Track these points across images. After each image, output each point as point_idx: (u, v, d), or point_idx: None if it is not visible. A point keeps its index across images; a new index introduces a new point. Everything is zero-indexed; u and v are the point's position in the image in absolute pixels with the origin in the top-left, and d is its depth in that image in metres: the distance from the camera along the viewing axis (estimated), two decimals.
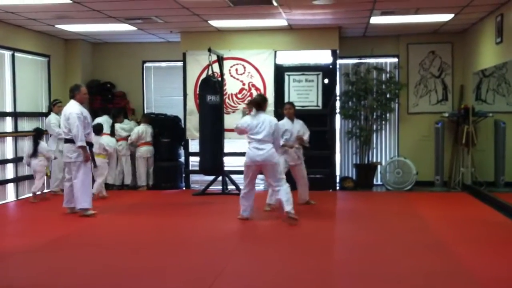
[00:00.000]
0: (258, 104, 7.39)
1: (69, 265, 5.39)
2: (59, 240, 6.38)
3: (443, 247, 5.91)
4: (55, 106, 9.69)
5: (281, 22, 9.40)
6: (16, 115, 9.54)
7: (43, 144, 9.23)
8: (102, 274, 5.05)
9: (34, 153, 9.01)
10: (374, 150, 10.87)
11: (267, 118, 7.33)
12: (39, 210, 8.57)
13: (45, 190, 9.63)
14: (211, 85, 9.20)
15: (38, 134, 9.20)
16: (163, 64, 11.41)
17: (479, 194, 9.14)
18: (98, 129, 9.15)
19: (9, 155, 9.45)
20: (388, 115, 10.75)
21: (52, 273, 5.15)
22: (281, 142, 7.76)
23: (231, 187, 9.73)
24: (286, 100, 10.12)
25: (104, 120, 10.17)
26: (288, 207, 7.10)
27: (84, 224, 7.24)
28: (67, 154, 7.76)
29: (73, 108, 7.71)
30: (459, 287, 4.64)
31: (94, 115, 10.06)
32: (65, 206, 7.91)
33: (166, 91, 10.94)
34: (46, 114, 9.96)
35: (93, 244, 6.25)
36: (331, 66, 10.20)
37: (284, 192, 7.16)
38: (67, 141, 7.73)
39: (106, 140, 9.50)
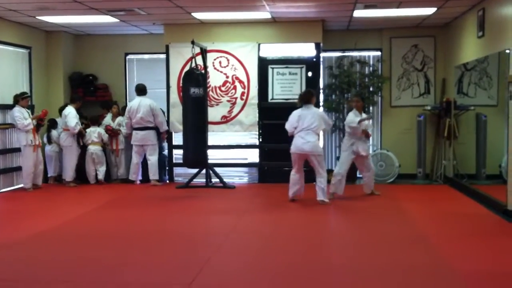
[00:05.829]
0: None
1: (52, 258, 5.36)
2: (42, 234, 6.32)
3: (425, 240, 5.96)
4: (23, 99, 9.31)
5: (264, 14, 9.38)
6: None
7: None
8: (86, 267, 5.03)
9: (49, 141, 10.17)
10: None
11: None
12: (18, 204, 8.52)
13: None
14: (195, 78, 9.16)
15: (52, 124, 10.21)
16: (146, 56, 11.33)
17: (461, 186, 9.24)
18: (95, 120, 10.25)
19: None
20: (371, 108, 10.80)
21: (35, 266, 5.11)
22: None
23: (215, 179, 9.71)
24: (270, 93, 10.18)
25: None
26: (321, 197, 7.96)
27: (69, 218, 7.19)
28: (150, 138, 9.79)
29: (152, 101, 9.90)
30: (440, 280, 4.68)
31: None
32: (133, 179, 9.99)
33: (149, 83, 10.79)
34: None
35: (77, 238, 6.22)
36: (314, 59, 10.21)
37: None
38: (149, 128, 9.79)
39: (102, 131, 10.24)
